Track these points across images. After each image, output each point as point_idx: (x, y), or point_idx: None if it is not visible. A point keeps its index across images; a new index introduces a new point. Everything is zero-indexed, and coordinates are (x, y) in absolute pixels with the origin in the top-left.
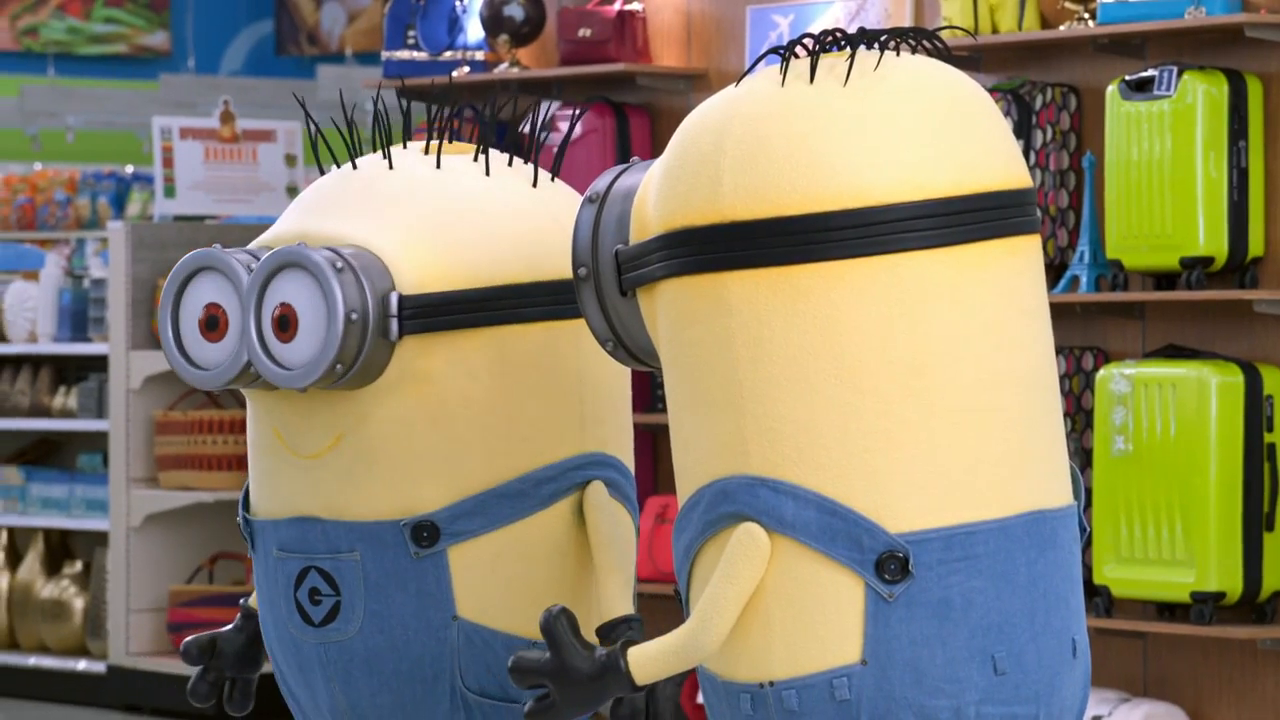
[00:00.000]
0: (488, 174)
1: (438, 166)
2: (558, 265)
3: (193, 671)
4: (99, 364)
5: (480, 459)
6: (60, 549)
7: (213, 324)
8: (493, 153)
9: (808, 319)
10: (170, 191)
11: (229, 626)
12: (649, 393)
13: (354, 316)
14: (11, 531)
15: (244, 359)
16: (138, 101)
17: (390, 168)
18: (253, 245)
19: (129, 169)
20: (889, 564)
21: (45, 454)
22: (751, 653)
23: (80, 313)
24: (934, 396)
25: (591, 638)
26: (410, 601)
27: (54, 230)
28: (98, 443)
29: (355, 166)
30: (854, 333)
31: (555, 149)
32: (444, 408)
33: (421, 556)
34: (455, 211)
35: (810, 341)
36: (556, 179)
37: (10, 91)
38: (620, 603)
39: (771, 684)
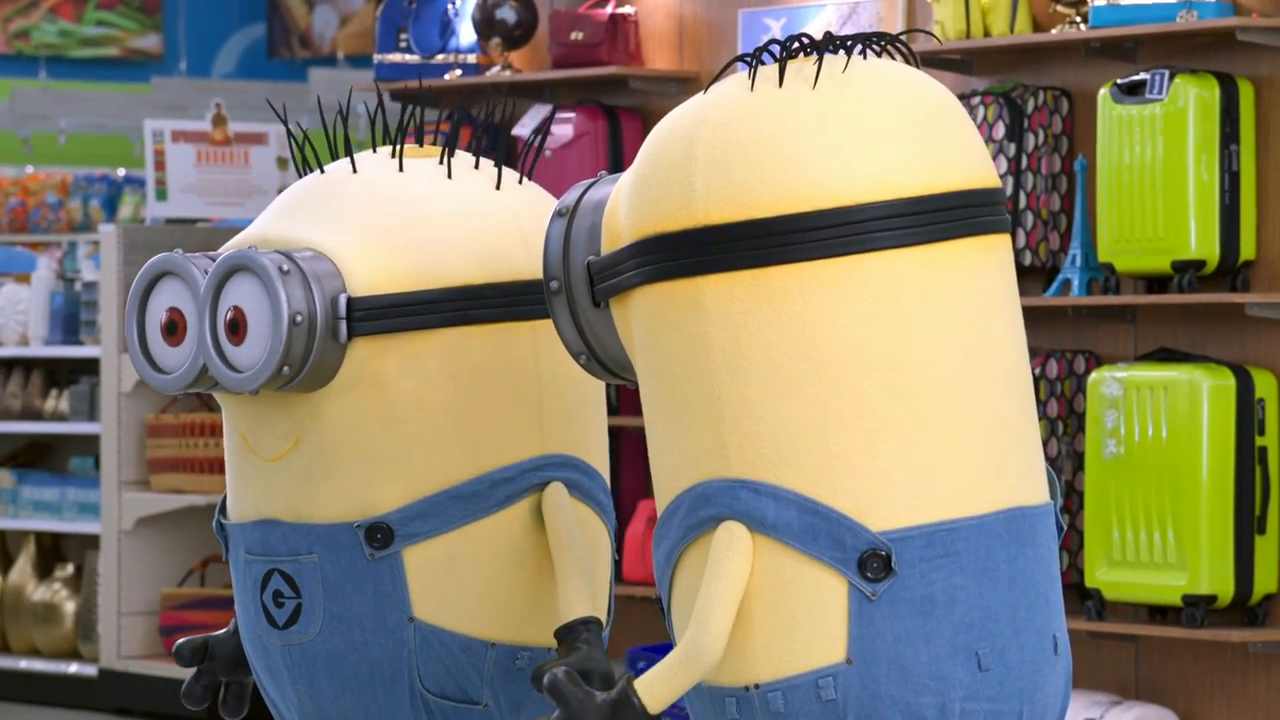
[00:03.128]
0: (449, 176)
1: (400, 170)
2: (514, 267)
3: (185, 674)
4: (91, 367)
5: (434, 461)
6: (51, 552)
7: (172, 328)
8: (459, 155)
9: (783, 320)
10: (162, 194)
11: (224, 630)
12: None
13: (299, 319)
14: (3, 534)
15: (200, 363)
16: (129, 104)
17: (354, 171)
18: (221, 250)
19: (121, 172)
20: (871, 562)
21: (37, 457)
22: (735, 656)
23: (72, 316)
24: (912, 394)
25: (550, 640)
26: (367, 603)
27: (46, 233)
28: (89, 445)
29: (323, 171)
30: (830, 333)
31: (547, 151)
32: (397, 409)
33: (377, 558)
34: (409, 214)
35: (787, 342)
36: (526, 180)
37: (2, 94)
38: (578, 604)
39: (757, 686)
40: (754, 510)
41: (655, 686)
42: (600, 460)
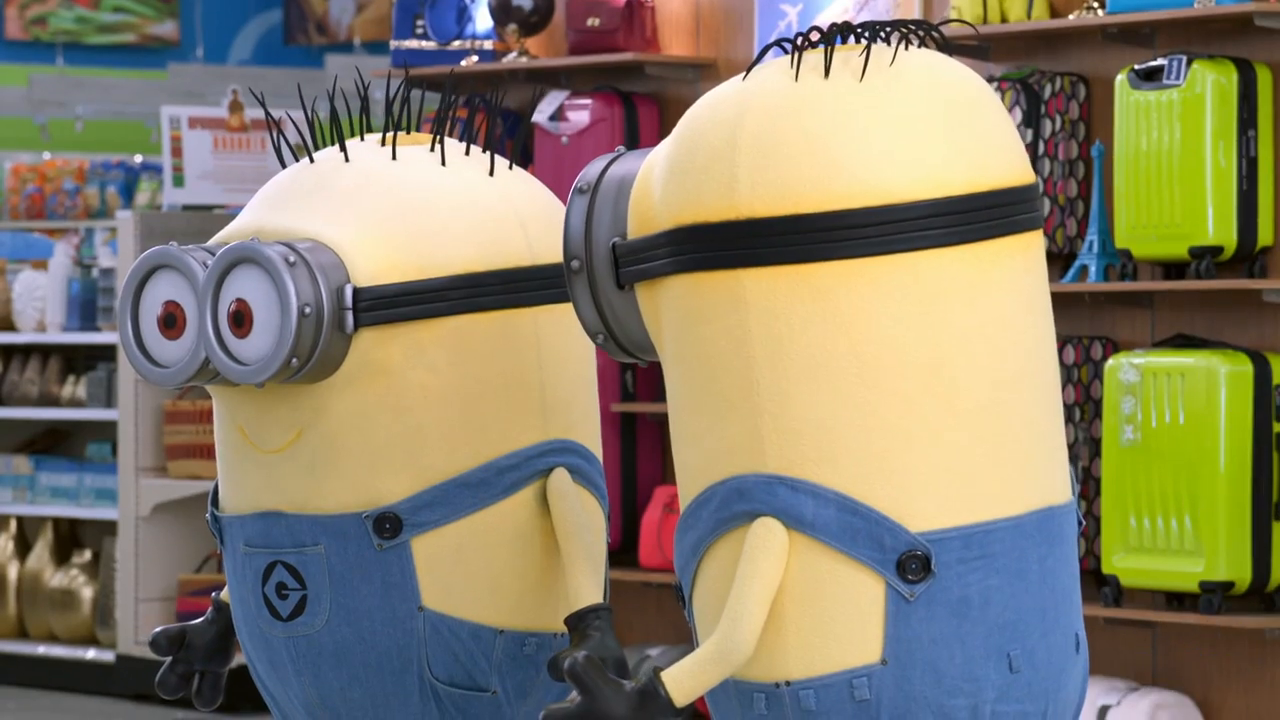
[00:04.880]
0: (443, 164)
1: (393, 158)
2: (513, 253)
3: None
4: (108, 353)
5: (441, 449)
6: (69, 538)
7: (171, 321)
8: (450, 142)
9: (826, 317)
10: (179, 181)
11: (200, 619)
12: (659, 383)
13: (308, 310)
14: (20, 521)
15: (202, 355)
16: (146, 91)
17: (346, 160)
18: (212, 241)
19: (138, 158)
20: (910, 563)
21: (54, 443)
22: (767, 652)
23: (89, 302)
24: (953, 395)
25: (560, 625)
26: (375, 593)
27: (63, 220)
28: (106, 432)
29: (312, 160)
30: (873, 331)
31: (564, 138)
32: (403, 399)
33: (385, 548)
34: (409, 202)
35: (829, 340)
36: (515, 166)
37: (19, 81)
38: (588, 591)
39: (788, 683)
40: (792, 508)
41: (684, 680)
42: (595, 443)
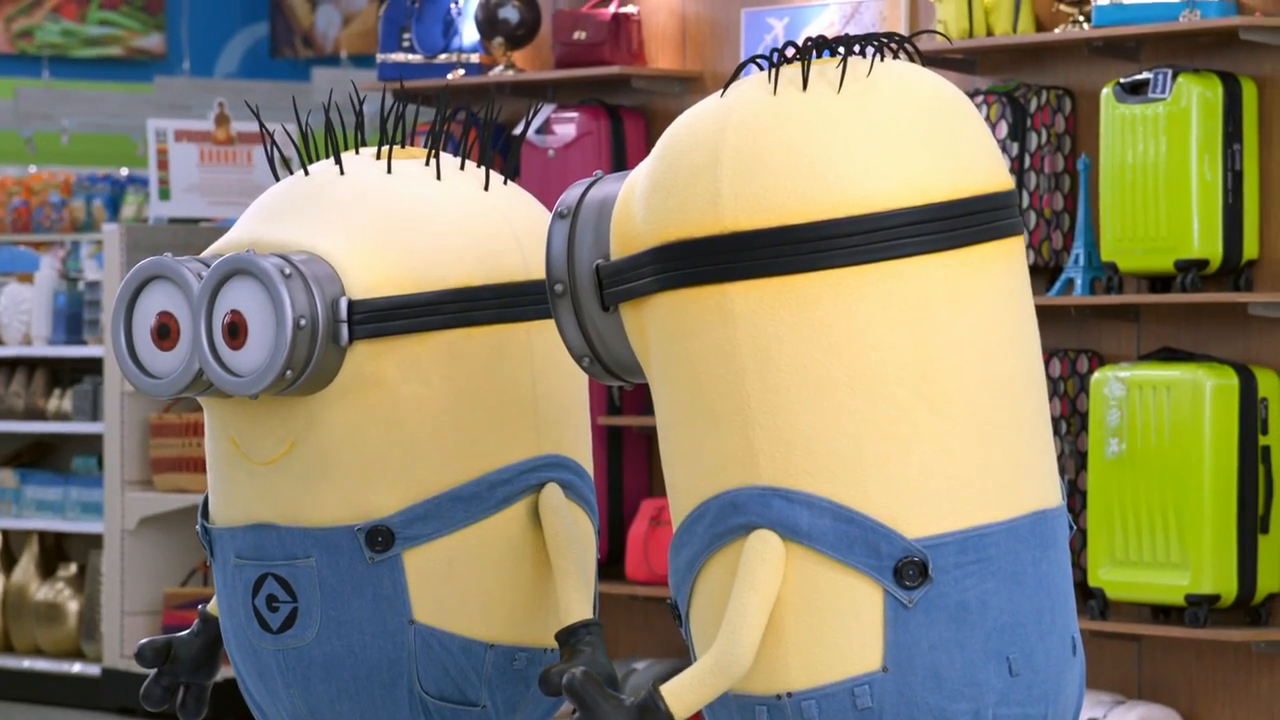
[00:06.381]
0: (439, 178)
1: (389, 171)
2: (508, 268)
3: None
4: (94, 366)
5: (434, 463)
6: (55, 551)
7: (164, 332)
8: (444, 156)
9: (815, 327)
10: (165, 194)
11: (186, 631)
12: (645, 397)
13: (303, 322)
14: (6, 534)
15: (196, 367)
16: (133, 104)
17: (341, 173)
18: (206, 253)
19: (124, 171)
20: (908, 569)
21: (40, 456)
22: (767, 664)
23: (75, 315)
24: (943, 400)
25: (550, 641)
26: (367, 606)
27: (49, 233)
28: (92, 445)
29: (307, 173)
30: (862, 339)
31: (550, 151)
32: (396, 412)
33: (376, 561)
34: (404, 216)
35: (819, 350)
36: (510, 181)
37: (5, 94)
38: (578, 607)
39: (789, 695)
40: (787, 518)
41: (684, 694)
42: (586, 458)
